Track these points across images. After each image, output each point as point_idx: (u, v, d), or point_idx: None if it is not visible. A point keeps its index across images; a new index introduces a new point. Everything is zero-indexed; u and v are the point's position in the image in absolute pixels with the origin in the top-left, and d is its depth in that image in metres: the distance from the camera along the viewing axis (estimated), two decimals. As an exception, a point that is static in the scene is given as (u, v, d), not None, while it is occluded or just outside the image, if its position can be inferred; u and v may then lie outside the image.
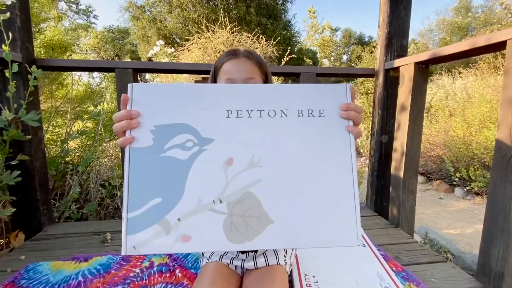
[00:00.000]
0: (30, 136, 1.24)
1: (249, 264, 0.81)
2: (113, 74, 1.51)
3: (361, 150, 4.81)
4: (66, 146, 1.78)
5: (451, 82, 5.64)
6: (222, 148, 0.48)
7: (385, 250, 1.18)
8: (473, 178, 2.98)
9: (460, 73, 5.89)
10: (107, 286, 0.95)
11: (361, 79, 8.05)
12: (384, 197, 1.62)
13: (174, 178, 0.45)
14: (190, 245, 0.42)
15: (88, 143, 2.30)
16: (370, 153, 1.71)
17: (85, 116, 1.96)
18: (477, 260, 1.03)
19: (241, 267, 0.84)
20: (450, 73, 6.30)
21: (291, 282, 0.90)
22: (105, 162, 2.42)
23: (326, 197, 0.47)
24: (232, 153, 0.47)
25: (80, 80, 3.17)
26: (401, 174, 1.41)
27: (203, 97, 0.50)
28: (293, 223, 0.45)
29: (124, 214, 0.45)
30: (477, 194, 3.04)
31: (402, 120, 1.42)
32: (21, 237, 1.39)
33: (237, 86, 0.53)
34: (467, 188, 3.05)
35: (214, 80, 0.79)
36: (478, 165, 3.01)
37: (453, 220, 2.61)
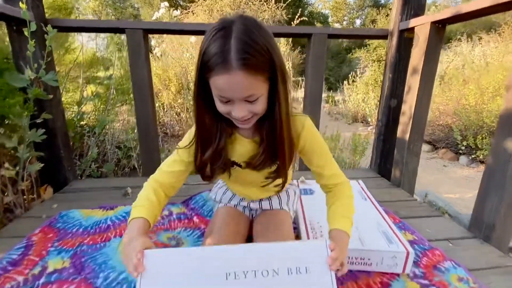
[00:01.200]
0: (51, 96, 1.30)
1: (255, 205, 0.94)
2: (117, 40, 1.51)
3: (369, 119, 4.79)
4: (82, 108, 1.84)
5: (470, 49, 5.36)
6: None
7: (385, 206, 1.26)
8: (479, 146, 2.99)
9: (480, 38, 5.56)
10: (134, 229, 1.07)
11: (374, 45, 7.69)
12: (388, 161, 1.67)
13: None
14: None
15: (101, 107, 2.37)
16: (377, 117, 1.73)
17: (97, 80, 2.00)
18: (471, 214, 1.10)
19: (249, 208, 0.96)
20: (469, 39, 5.95)
21: (295, 228, 1.00)
22: (119, 126, 2.51)
23: None
24: None
25: (86, 45, 3.15)
26: (407, 136, 1.44)
27: (207, 263, 0.58)
28: None
29: None
30: (481, 162, 3.08)
31: (413, 83, 1.42)
32: (50, 190, 1.52)
33: (234, 250, 0.61)
34: (473, 156, 3.08)
35: (202, 80, 0.60)
36: (486, 134, 3.01)
37: (454, 185, 2.69)
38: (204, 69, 0.57)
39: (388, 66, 1.62)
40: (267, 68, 0.57)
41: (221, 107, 0.62)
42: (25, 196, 1.43)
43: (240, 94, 0.57)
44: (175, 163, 0.77)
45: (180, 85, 3.66)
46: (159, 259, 0.58)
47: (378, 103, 1.74)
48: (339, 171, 0.79)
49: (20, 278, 0.82)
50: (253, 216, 0.98)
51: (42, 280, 0.81)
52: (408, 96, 1.47)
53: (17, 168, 1.33)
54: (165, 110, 3.57)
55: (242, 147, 0.75)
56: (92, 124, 2.13)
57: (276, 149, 0.68)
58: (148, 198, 0.71)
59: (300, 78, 4.88)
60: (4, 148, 1.52)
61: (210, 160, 0.71)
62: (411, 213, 1.24)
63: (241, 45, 0.53)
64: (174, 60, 3.74)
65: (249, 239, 0.91)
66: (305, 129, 0.73)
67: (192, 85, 3.19)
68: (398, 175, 1.53)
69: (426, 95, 1.42)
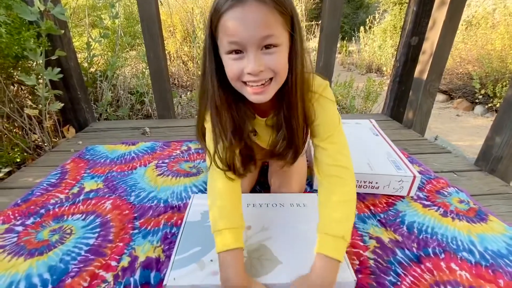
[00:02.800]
0: (63, 31, 1.28)
1: None
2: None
3: (384, 68, 4.58)
4: (92, 50, 1.82)
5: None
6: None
7: (395, 144, 1.29)
8: (498, 94, 2.88)
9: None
10: (155, 160, 1.15)
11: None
12: (402, 103, 1.65)
13: (210, 236, 0.57)
14: (217, 278, 0.55)
15: (109, 52, 2.33)
16: (395, 57, 1.66)
17: (104, 19, 1.92)
18: (480, 149, 1.13)
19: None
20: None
21: (310, 163, 1.06)
22: (129, 71, 2.49)
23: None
24: (250, 223, 0.69)
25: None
26: (425, 76, 1.40)
27: None
28: (295, 263, 0.59)
29: (172, 257, 0.61)
30: (497, 111, 3.00)
31: (438, 16, 1.32)
32: (72, 130, 1.60)
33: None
34: (489, 105, 2.99)
35: (212, 46, 0.52)
36: (508, 81, 2.87)
37: (465, 134, 2.67)
38: (213, 20, 0.48)
39: (412, -1, 1.49)
40: (287, 11, 0.47)
41: (232, 67, 0.49)
42: (49, 136, 1.52)
43: (256, 33, 0.45)
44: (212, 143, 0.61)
45: (186, 31, 3.49)
46: None
47: (399, 39, 1.64)
48: (348, 153, 0.63)
49: (62, 196, 0.92)
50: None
51: (81, 197, 0.91)
52: (431, 32, 1.38)
53: (40, 106, 1.39)
54: (172, 59, 3.47)
55: (260, 129, 0.66)
56: (103, 69, 2.12)
57: (292, 131, 0.59)
58: (228, 217, 0.58)
59: (314, 23, 4.55)
60: (24, 86, 1.56)
61: (242, 157, 0.61)
62: (419, 150, 1.27)
63: None
64: (178, 3, 3.50)
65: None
66: (320, 101, 0.60)
67: (198, 31, 3.04)
68: (410, 117, 1.53)
69: (451, 31, 1.33)
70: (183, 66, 3.47)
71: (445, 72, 3.64)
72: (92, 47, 1.80)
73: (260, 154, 0.70)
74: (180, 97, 2.53)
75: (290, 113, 0.56)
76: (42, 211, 0.84)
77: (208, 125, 0.61)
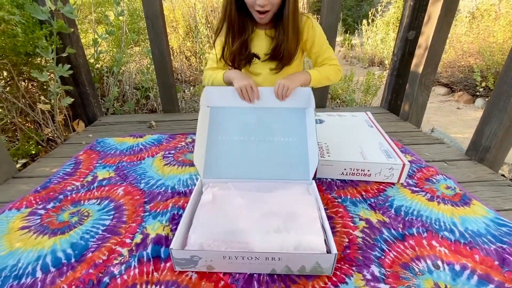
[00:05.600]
0: (72, 29, 1.35)
1: None
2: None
3: (386, 62, 4.57)
4: (98, 47, 1.88)
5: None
6: None
7: (391, 136, 1.35)
8: (499, 87, 2.89)
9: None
10: (162, 151, 1.22)
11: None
12: (400, 96, 1.70)
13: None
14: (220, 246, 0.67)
15: (114, 48, 2.39)
16: (393, 51, 1.70)
17: (110, 16, 1.98)
18: (470, 140, 1.18)
19: None
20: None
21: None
22: (134, 67, 2.56)
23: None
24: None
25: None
26: (420, 69, 1.45)
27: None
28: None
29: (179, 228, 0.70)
30: (498, 104, 3.01)
31: (433, 11, 1.36)
32: (82, 124, 1.68)
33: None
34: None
35: None
36: (508, 74, 2.87)
37: (464, 127, 2.70)
38: None
39: (409, -7, 1.52)
40: None
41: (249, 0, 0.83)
42: (61, 129, 1.60)
43: None
44: (216, 56, 0.99)
45: (188, 26, 3.53)
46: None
47: (396, 34, 1.68)
48: (334, 57, 0.99)
49: (78, 183, 1.00)
50: None
51: (95, 184, 0.99)
52: (427, 27, 1.42)
53: (52, 101, 1.47)
54: (175, 54, 3.52)
55: (260, 41, 0.94)
56: (109, 65, 2.19)
57: (287, 38, 0.89)
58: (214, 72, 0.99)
59: (317, 16, 4.54)
60: (34, 82, 1.64)
61: (238, 51, 0.93)
62: (414, 141, 1.33)
63: None
64: (181, -2, 3.53)
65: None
66: (307, 22, 0.93)
67: (200, 26, 3.08)
68: (407, 109, 1.58)
69: (446, 25, 1.37)
70: (186, 61, 3.52)
71: (447, 65, 3.65)
72: (98, 44, 1.86)
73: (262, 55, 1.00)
74: (184, 92, 2.59)
75: (285, 25, 0.87)
76: (61, 196, 0.92)
77: (220, 38, 0.95)
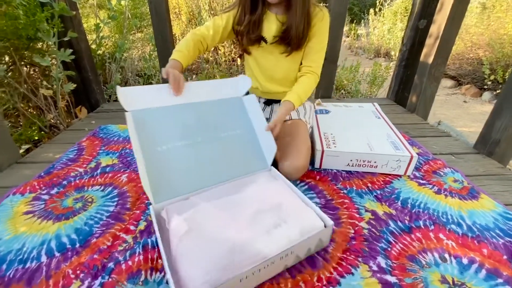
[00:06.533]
0: (74, 12, 1.31)
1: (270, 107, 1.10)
2: None
3: (393, 53, 4.49)
4: (101, 31, 1.84)
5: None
6: None
7: (398, 128, 1.33)
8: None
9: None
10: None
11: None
12: (407, 88, 1.66)
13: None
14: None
15: (116, 34, 2.34)
16: (402, 41, 1.65)
17: (112, 1, 1.93)
18: (479, 133, 1.16)
19: (271, 118, 1.08)
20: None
21: (312, 143, 1.10)
22: (136, 54, 2.52)
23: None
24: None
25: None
26: (430, 60, 1.41)
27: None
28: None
29: None
30: (506, 98, 2.96)
31: (447, -1, 1.31)
32: (84, 110, 1.67)
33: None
34: (498, 91, 2.95)
35: None
36: (518, 67, 2.81)
37: (471, 120, 2.67)
38: None
39: (422, -20, 1.46)
40: None
41: None
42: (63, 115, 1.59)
43: None
44: (214, 22, 0.95)
45: (191, 13, 3.45)
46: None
47: (407, 23, 1.63)
48: (320, 63, 0.97)
49: (81, 170, 0.99)
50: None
51: (99, 171, 0.98)
52: (439, 15, 1.37)
53: (54, 87, 1.45)
54: (177, 41, 3.46)
55: (270, 23, 0.93)
56: (111, 51, 2.16)
57: (295, 21, 0.87)
58: (186, 47, 0.89)
59: (324, 4, 4.43)
60: (36, 68, 1.61)
61: (247, 30, 0.92)
62: (421, 134, 1.31)
63: None
64: (184, -17, 3.44)
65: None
66: (320, 13, 0.90)
67: (203, 13, 3.01)
68: (414, 101, 1.55)
69: (459, 14, 1.32)
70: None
71: (455, 57, 3.57)
72: (100, 29, 1.82)
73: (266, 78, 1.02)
74: (187, 80, 2.56)
75: (293, 7, 0.85)
76: (64, 182, 0.92)
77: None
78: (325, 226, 0.64)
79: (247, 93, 0.94)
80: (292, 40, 0.90)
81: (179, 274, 0.54)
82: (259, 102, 1.08)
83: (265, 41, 0.95)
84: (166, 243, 0.60)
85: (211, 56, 3.37)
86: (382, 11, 5.06)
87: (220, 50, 3.27)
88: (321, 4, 0.94)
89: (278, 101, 1.07)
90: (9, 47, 1.31)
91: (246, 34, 0.93)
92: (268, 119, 1.08)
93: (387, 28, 4.82)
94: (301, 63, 0.99)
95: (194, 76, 2.75)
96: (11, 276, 0.60)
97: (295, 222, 0.64)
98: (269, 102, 1.11)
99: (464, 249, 0.67)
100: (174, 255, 0.57)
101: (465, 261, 0.64)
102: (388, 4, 5.06)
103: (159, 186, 0.69)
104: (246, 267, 0.53)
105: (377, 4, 5.06)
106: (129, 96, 0.75)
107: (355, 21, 7.56)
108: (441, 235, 0.70)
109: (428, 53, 1.43)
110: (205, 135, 0.81)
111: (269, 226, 0.62)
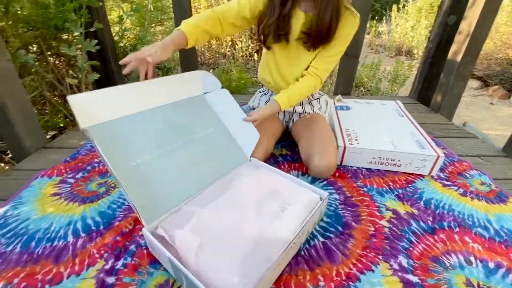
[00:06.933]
0: (101, 3, 1.34)
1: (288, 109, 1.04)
2: None
3: (415, 51, 4.33)
4: (124, 23, 1.88)
5: None
6: None
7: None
8: (540, 83, 2.67)
9: None
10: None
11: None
12: (432, 86, 1.60)
13: None
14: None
15: (137, 28, 2.39)
16: (429, 38, 1.59)
17: (134, -7, 1.96)
18: (509, 136, 1.10)
19: (282, 112, 1.07)
20: None
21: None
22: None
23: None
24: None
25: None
26: (459, 58, 1.34)
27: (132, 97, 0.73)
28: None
29: None
30: (537, 101, 2.79)
31: (480, -7, 1.24)
32: (107, 100, 1.71)
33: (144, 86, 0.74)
34: (528, 94, 2.78)
35: None
36: (553, 68, 2.64)
37: (497, 123, 2.54)
38: None
39: (454, -27, 1.40)
40: None
41: None
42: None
43: None
44: (237, 6, 0.84)
45: (210, 7, 3.47)
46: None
47: (433, 22, 1.56)
48: (325, 72, 0.91)
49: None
50: (287, 123, 1.08)
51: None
52: (470, 11, 1.31)
53: (79, 76, 1.50)
54: (197, 35, 3.49)
55: (297, 20, 0.86)
56: (132, 43, 2.20)
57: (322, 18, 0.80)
58: (201, 20, 0.78)
59: None
60: (62, 58, 1.67)
61: (276, 23, 0.84)
62: (445, 134, 1.26)
63: None
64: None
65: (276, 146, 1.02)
66: (351, 18, 0.84)
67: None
68: (439, 100, 1.49)
69: (492, 10, 1.25)
70: (206, 43, 3.48)
71: (483, 56, 3.40)
72: (124, 21, 1.86)
73: (283, 78, 0.97)
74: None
75: (325, 4, 0.78)
76: (89, 167, 0.95)
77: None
78: (320, 199, 0.70)
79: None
80: (317, 35, 0.84)
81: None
82: (271, 95, 1.06)
83: (287, 40, 0.90)
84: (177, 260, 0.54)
85: (228, 51, 3.38)
86: (406, 7, 4.88)
87: (237, 45, 3.28)
88: (359, 18, 0.87)
89: None
90: (37, 37, 1.37)
91: (275, 30, 0.86)
92: (280, 112, 1.05)
93: (410, 25, 4.65)
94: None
95: (211, 71, 2.76)
96: (39, 253, 0.63)
97: (296, 201, 0.68)
98: None
99: (490, 253, 0.64)
100: (196, 269, 0.52)
101: (491, 265, 0.61)
102: (412, 1, 4.87)
103: (146, 204, 0.61)
104: (275, 256, 0.54)
105: (401, 0, 4.89)
106: (85, 108, 0.62)
107: (376, 18, 7.34)
108: (466, 238, 0.68)
109: (457, 51, 1.36)
110: (179, 140, 0.74)
111: (276, 211, 0.65)
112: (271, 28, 0.85)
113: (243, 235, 0.59)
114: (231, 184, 0.73)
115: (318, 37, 0.84)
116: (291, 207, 0.65)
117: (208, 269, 0.52)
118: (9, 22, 1.19)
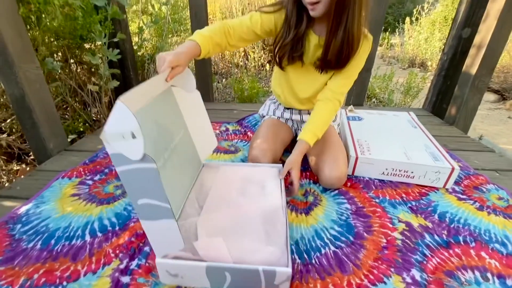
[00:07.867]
0: (125, 15, 1.42)
1: (296, 116, 1.05)
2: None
3: (429, 63, 4.29)
4: (143, 33, 1.97)
5: None
6: None
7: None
8: (562, 97, 2.58)
9: None
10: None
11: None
12: (446, 99, 1.58)
13: None
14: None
15: (155, 38, 2.49)
16: (443, 50, 1.58)
17: (156, 5, 2.06)
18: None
19: (291, 120, 1.08)
20: None
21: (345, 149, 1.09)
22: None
23: None
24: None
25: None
26: (474, 70, 1.33)
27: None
28: None
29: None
30: (559, 116, 2.69)
31: (495, 6, 1.24)
32: (124, 107, 1.78)
33: None
34: (549, 108, 2.69)
35: None
36: None
37: (516, 138, 2.46)
38: None
39: (468, -13, 1.40)
40: None
41: None
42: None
43: None
44: (249, 21, 0.84)
45: (224, 19, 3.57)
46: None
47: (447, 35, 1.56)
48: (343, 95, 0.90)
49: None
50: (296, 130, 1.10)
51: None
52: (484, 24, 1.30)
53: (101, 83, 1.57)
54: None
55: (310, 42, 0.86)
56: (150, 52, 2.29)
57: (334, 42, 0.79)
58: (213, 33, 0.78)
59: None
60: (83, 65, 1.76)
61: (292, 45, 0.84)
62: (460, 147, 1.23)
63: None
64: (219, -10, 3.58)
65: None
66: (365, 43, 0.84)
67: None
68: (454, 113, 1.47)
69: (509, 22, 1.24)
70: (219, 53, 3.57)
71: (500, 69, 3.33)
72: (143, 32, 1.95)
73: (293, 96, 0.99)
74: (218, 82, 2.64)
75: (341, 31, 0.77)
76: (106, 170, 0.99)
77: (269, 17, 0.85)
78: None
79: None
80: (328, 60, 0.83)
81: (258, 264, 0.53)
82: (280, 104, 1.07)
83: (302, 61, 0.89)
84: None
85: (241, 61, 3.46)
86: (419, 20, 4.88)
87: (250, 55, 3.35)
88: (371, 40, 0.86)
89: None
90: (63, 46, 1.45)
91: (290, 51, 0.85)
92: (288, 120, 1.08)
93: (423, 37, 4.63)
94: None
95: (224, 80, 2.83)
96: (58, 250, 0.66)
97: (266, 177, 0.80)
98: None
99: (508, 270, 0.62)
100: (236, 261, 0.55)
101: (509, 282, 0.59)
102: (426, 13, 4.86)
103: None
104: (282, 218, 0.65)
105: (415, 12, 4.89)
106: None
107: (388, 30, 7.34)
108: (483, 253, 0.66)
109: (472, 63, 1.35)
110: (165, 149, 0.63)
111: (258, 191, 0.75)
112: (286, 49, 0.85)
113: (249, 217, 0.66)
114: (204, 188, 0.76)
115: (328, 62, 0.83)
116: (266, 183, 0.77)
117: (245, 255, 0.56)
118: (40, 32, 1.27)
